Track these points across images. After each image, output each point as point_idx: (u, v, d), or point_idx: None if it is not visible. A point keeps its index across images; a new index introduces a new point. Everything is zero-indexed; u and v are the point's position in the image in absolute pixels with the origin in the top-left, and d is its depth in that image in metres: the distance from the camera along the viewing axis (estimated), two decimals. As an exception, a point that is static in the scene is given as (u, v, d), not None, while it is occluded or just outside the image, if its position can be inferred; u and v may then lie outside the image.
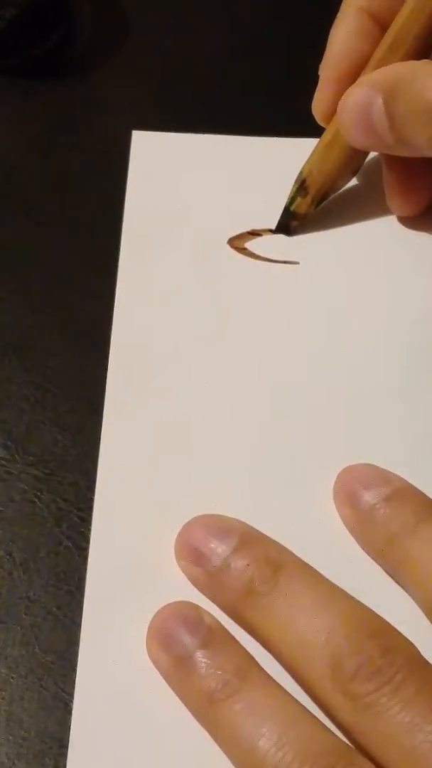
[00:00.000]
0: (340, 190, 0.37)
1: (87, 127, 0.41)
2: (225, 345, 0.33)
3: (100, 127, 0.41)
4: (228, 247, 0.36)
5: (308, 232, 0.36)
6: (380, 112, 0.32)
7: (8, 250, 0.37)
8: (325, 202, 0.36)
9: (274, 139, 0.39)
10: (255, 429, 0.31)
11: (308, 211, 0.36)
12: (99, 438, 0.31)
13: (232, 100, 0.42)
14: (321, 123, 0.36)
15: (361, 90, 0.33)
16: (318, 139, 0.36)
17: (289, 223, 0.36)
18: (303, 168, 0.36)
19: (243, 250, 0.36)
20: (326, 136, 0.35)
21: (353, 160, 0.36)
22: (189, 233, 0.36)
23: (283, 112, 0.40)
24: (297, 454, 0.31)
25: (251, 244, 0.36)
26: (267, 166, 0.38)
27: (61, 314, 0.35)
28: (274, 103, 0.41)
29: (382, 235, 0.36)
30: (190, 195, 0.38)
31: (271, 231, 0.37)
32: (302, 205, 0.36)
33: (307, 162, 0.36)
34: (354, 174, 0.37)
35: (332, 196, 0.36)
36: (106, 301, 0.34)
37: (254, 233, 0.37)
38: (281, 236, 0.36)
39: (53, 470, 0.31)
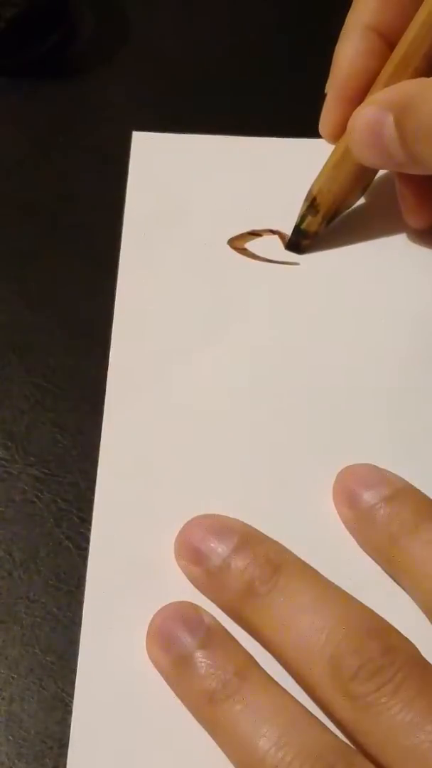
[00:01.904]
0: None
1: (87, 127, 0.41)
2: (225, 345, 0.33)
3: (100, 127, 0.41)
4: (228, 247, 0.36)
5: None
6: (391, 131, 0.32)
7: (8, 250, 0.37)
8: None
9: (275, 139, 0.39)
10: (255, 429, 0.31)
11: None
12: (99, 438, 0.31)
13: (232, 100, 0.42)
14: (329, 141, 0.35)
15: (371, 109, 0.32)
16: (318, 139, 0.36)
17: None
18: (312, 186, 0.35)
19: (243, 251, 0.36)
20: (335, 154, 0.35)
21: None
22: (189, 233, 0.36)
23: (284, 112, 0.40)
24: (297, 454, 0.31)
25: (251, 245, 0.36)
26: (267, 167, 0.38)
27: (61, 314, 0.35)
28: (274, 104, 0.41)
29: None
30: (190, 195, 0.38)
31: (271, 232, 0.37)
32: (313, 224, 0.36)
33: (317, 180, 0.35)
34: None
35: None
36: (106, 301, 0.34)
37: (254, 234, 0.37)
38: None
39: (53, 470, 0.31)
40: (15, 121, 0.41)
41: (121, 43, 0.44)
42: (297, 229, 0.36)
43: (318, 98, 0.35)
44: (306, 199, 0.36)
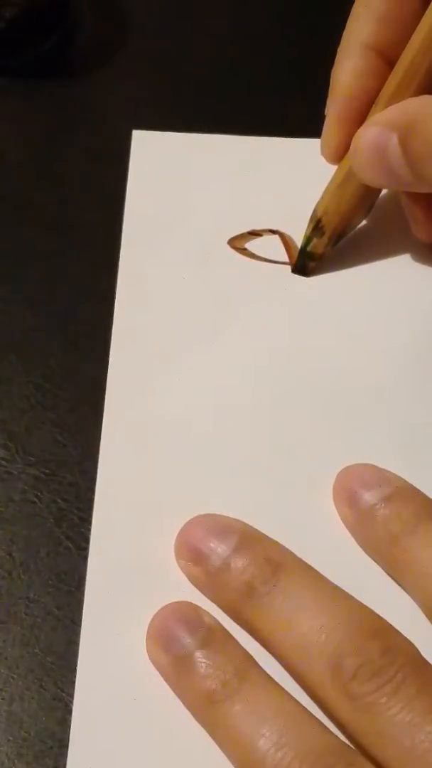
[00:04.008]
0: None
1: (87, 127, 0.41)
2: (225, 345, 0.33)
3: (100, 127, 0.41)
4: (228, 247, 0.36)
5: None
6: (396, 151, 0.31)
7: (8, 250, 0.37)
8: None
9: (275, 139, 0.39)
10: (255, 429, 0.31)
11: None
12: (99, 438, 0.31)
13: (232, 100, 0.42)
14: (330, 162, 0.35)
15: (374, 129, 0.32)
16: (319, 139, 0.35)
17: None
18: (316, 208, 0.35)
19: (243, 251, 0.36)
20: (338, 175, 0.34)
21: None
22: (189, 233, 0.36)
23: (284, 112, 0.40)
24: (297, 454, 0.31)
25: (251, 245, 0.36)
26: (267, 166, 0.38)
27: (61, 314, 0.35)
28: (274, 103, 0.41)
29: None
30: (191, 195, 0.38)
31: (271, 231, 0.37)
32: (319, 246, 0.35)
33: (321, 202, 0.35)
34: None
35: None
36: (106, 301, 0.34)
37: (254, 233, 0.36)
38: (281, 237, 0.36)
39: (53, 470, 0.31)
40: (15, 121, 0.41)
41: (121, 43, 0.44)
42: (303, 251, 0.35)
43: (318, 98, 0.35)
44: (311, 221, 0.35)
